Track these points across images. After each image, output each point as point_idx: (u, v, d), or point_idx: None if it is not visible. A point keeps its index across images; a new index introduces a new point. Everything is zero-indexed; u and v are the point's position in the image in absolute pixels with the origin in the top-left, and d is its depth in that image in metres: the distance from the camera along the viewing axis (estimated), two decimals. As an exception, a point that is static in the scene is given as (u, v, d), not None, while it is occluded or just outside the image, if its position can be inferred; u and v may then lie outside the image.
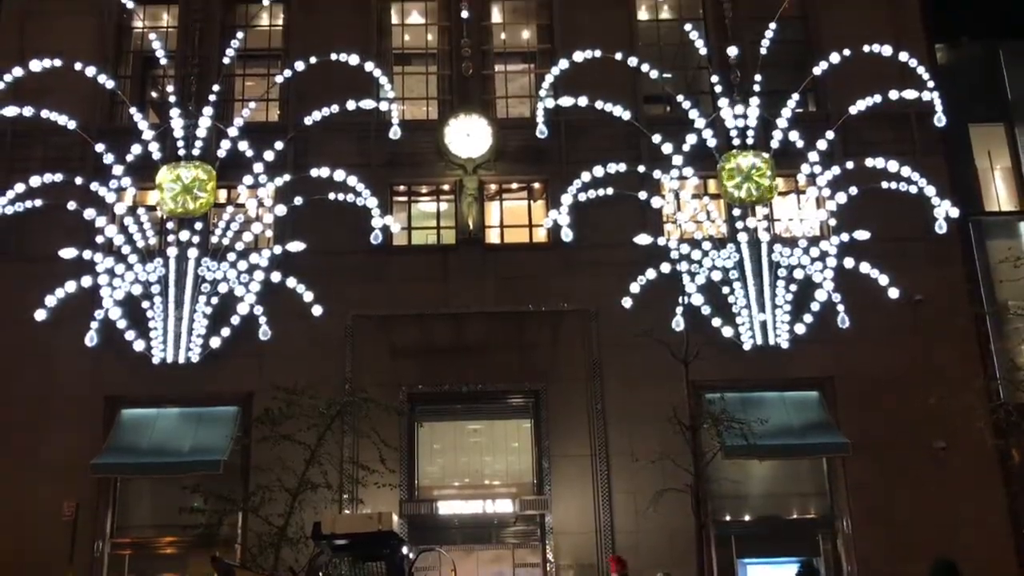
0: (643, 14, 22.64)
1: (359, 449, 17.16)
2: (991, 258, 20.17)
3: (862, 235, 19.69)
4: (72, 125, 19.84)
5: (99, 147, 19.72)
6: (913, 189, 20.06)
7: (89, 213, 19.29)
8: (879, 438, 18.75)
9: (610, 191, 20.00)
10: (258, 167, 19.84)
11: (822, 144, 20.24)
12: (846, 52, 20.46)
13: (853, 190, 19.98)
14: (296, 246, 19.50)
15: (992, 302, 19.75)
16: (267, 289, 19.38)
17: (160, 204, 19.57)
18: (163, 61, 20.89)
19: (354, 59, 20.38)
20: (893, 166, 20.09)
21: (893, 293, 19.50)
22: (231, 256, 19.49)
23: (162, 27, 22.10)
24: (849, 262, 19.66)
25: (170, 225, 19.65)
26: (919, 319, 19.54)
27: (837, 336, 19.54)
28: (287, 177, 19.96)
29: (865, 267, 19.59)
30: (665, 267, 19.65)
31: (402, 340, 19.72)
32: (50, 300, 18.82)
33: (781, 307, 19.60)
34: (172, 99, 20.28)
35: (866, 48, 20.51)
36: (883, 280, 19.53)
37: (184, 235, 19.50)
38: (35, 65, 19.92)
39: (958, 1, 21.90)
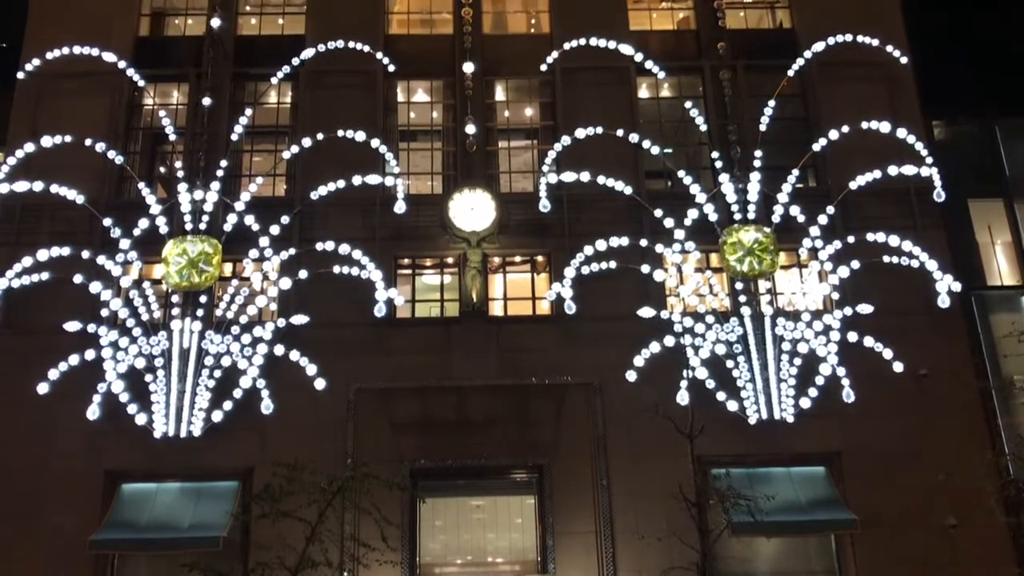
0: (644, 92, 23.07)
1: (360, 526, 16.93)
2: (995, 332, 20.18)
3: (865, 309, 19.71)
4: (81, 200, 20.11)
5: (107, 221, 19.94)
6: (915, 263, 20.16)
7: (95, 287, 19.38)
8: (888, 515, 18.48)
9: (613, 264, 20.11)
10: (264, 241, 20.01)
11: (823, 219, 20.43)
12: (845, 129, 20.82)
13: (855, 264, 20.08)
14: (300, 319, 19.55)
15: (997, 376, 19.69)
16: (270, 362, 19.38)
17: (166, 278, 19.68)
18: (172, 138, 21.24)
19: (360, 136, 20.73)
20: (894, 241, 20.23)
21: (898, 367, 19.45)
22: (235, 329, 19.53)
23: (172, 104, 22.53)
24: (853, 336, 19.65)
25: (175, 298, 19.70)
26: (925, 393, 19.47)
27: (843, 410, 19.43)
28: (292, 251, 20.12)
29: (869, 341, 19.58)
30: (669, 340, 19.65)
31: (404, 413, 19.61)
32: (53, 374, 18.82)
33: (786, 381, 19.54)
34: (180, 174, 20.57)
35: (864, 125, 20.88)
36: (887, 354, 19.50)
37: (188, 308, 19.56)
38: (47, 141, 20.29)
39: (953, 80, 22.31)
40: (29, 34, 22.40)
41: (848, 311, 19.82)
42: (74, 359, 18.91)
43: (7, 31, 25.75)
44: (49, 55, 21.41)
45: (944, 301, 19.95)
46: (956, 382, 19.37)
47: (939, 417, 19.28)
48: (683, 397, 18.55)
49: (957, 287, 20.03)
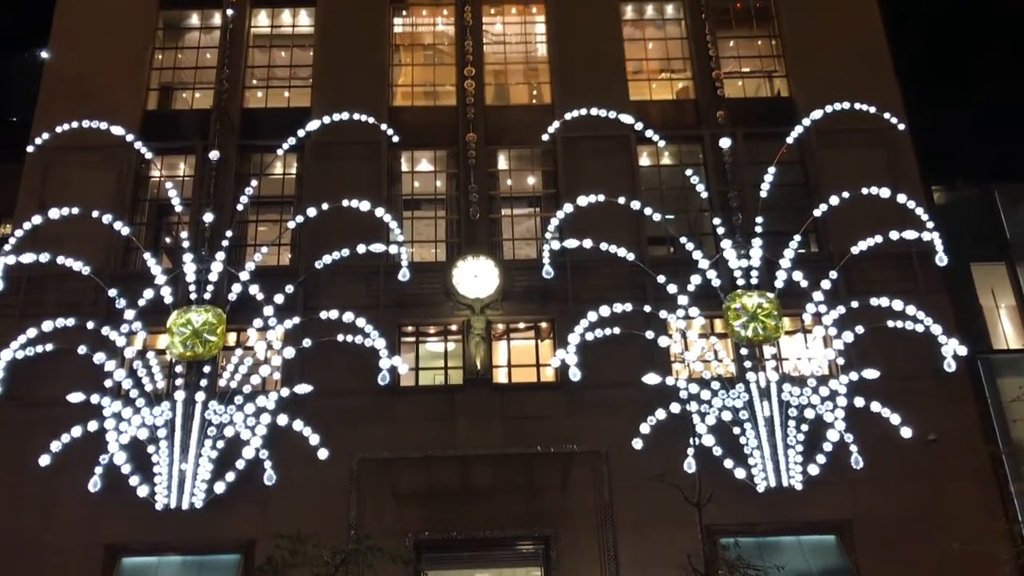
0: (644, 159, 23.35)
1: (364, 599, 16.60)
2: (1003, 396, 20.05)
3: (871, 374, 19.61)
4: (87, 271, 20.21)
5: (112, 292, 20.01)
6: (919, 327, 20.11)
7: (99, 357, 19.35)
8: (901, 585, 18.13)
9: (617, 330, 20.08)
10: (268, 310, 20.03)
11: (826, 284, 20.45)
12: (845, 194, 20.97)
13: (860, 329, 20.04)
14: (303, 388, 19.46)
15: (1008, 441, 19.50)
16: (273, 432, 19.23)
17: (170, 348, 19.66)
18: (178, 209, 21.44)
19: (365, 205, 20.92)
20: (898, 305, 20.21)
21: (906, 432, 19.26)
22: (238, 399, 19.44)
23: (178, 176, 22.82)
24: (860, 401, 19.51)
25: (179, 368, 19.65)
26: (935, 459, 19.24)
27: (852, 477, 19.19)
28: (296, 319, 20.13)
29: (876, 406, 19.43)
30: (675, 407, 19.52)
31: (408, 484, 19.37)
32: (55, 445, 18.68)
33: (793, 448, 19.34)
34: (185, 245, 20.71)
35: (864, 190, 21.03)
36: (895, 419, 19.34)
37: (192, 378, 19.50)
38: (54, 213, 20.49)
39: (951, 145, 22.62)
40: (40, 109, 22.82)
41: (854, 376, 19.71)
42: (76, 431, 18.78)
43: (17, 104, 26.29)
44: (59, 129, 21.76)
45: (950, 365, 19.85)
46: (966, 448, 19.13)
47: (950, 483, 19.03)
48: (690, 465, 18.35)
49: (963, 351, 19.96)
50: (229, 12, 23.86)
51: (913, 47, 24.89)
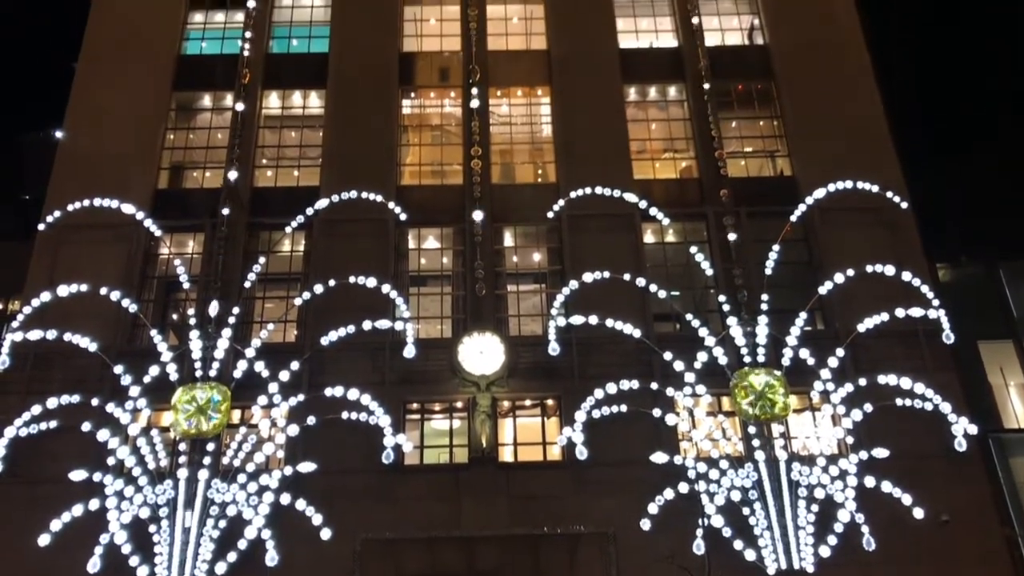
0: (649, 237, 23.53)
1: None
2: (1016, 476, 19.84)
3: (881, 453, 19.39)
4: (93, 347, 20.22)
5: (117, 369, 19.95)
6: (928, 406, 19.95)
7: (103, 434, 19.24)
8: (918, 672, 17.63)
9: (624, 408, 19.95)
10: (273, 387, 19.98)
11: (833, 362, 20.36)
12: (849, 272, 21.00)
13: (868, 407, 19.89)
14: (307, 467, 19.27)
15: (1022, 523, 19.14)
16: (276, 511, 18.99)
17: (174, 425, 19.56)
18: (186, 286, 21.54)
19: (372, 282, 21.00)
20: (906, 383, 20.08)
21: (918, 513, 18.94)
22: (241, 478, 19.23)
23: (187, 253, 23.02)
24: (870, 481, 19.25)
25: (182, 446, 19.53)
26: (948, 541, 18.93)
27: (864, 559, 18.83)
28: (301, 397, 20.05)
29: (887, 486, 19.16)
30: (683, 487, 19.27)
31: (412, 565, 19.07)
32: (55, 524, 18.42)
33: (804, 528, 19.01)
34: (192, 321, 20.75)
35: (869, 268, 21.07)
36: (906, 499, 19.05)
37: (195, 456, 19.35)
38: (63, 290, 20.54)
39: (954, 223, 22.78)
40: (53, 187, 23.20)
41: (864, 455, 19.49)
42: (78, 509, 18.55)
43: (30, 183, 26.72)
44: (70, 207, 22.01)
45: (961, 444, 19.64)
46: (980, 529, 18.85)
47: (964, 567, 18.68)
48: (699, 546, 18.03)
49: (973, 430, 19.76)
50: (240, 106, 24.38)
51: (913, 126, 25.33)
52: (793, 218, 22.17)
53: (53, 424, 19.61)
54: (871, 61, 25.58)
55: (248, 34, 25.56)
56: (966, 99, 26.31)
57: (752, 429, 19.94)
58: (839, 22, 26.25)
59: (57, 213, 22.16)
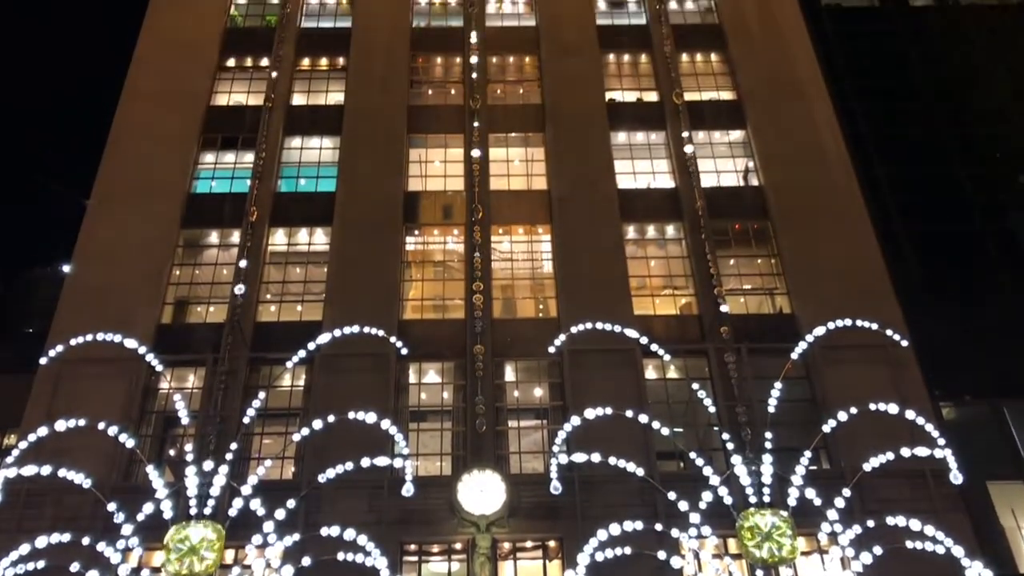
0: (651, 373, 23.50)
1: None
2: (1036, 625, 19.09)
3: (893, 598, 18.78)
4: (87, 484, 19.88)
5: (111, 506, 19.57)
6: (940, 549, 19.41)
7: (92, 575, 18.68)
8: None
9: (628, 550, 19.41)
10: (268, 526, 19.50)
11: (840, 502, 19.93)
12: (853, 410, 20.86)
13: (878, 550, 19.35)
14: (300, 611, 18.63)
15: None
16: (267, 659, 18.24)
17: (165, 565, 19.00)
18: (185, 421, 21.37)
19: (371, 417, 20.81)
20: (915, 524, 19.60)
21: (937, 665, 18.18)
22: (233, 622, 18.58)
23: (187, 388, 22.95)
24: (884, 628, 18.57)
25: (174, 588, 18.91)
26: None
27: None
28: (296, 536, 19.55)
29: (902, 634, 18.47)
30: (690, 634, 18.57)
31: None
32: (34, 673, 17.68)
33: None
34: (189, 457, 20.47)
35: (872, 406, 20.90)
36: (924, 649, 18.31)
37: (186, 599, 18.72)
38: (60, 425, 20.37)
39: (956, 361, 22.78)
40: (57, 321, 23.38)
41: (876, 600, 18.86)
42: (59, 656, 17.85)
43: (35, 316, 26.91)
44: (73, 341, 22.07)
45: (976, 589, 19.03)
46: None
47: None
48: None
49: (988, 575, 19.16)
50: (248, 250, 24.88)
51: (911, 264, 25.68)
52: (794, 356, 22.18)
53: (41, 564, 19.02)
54: (865, 202, 26.20)
55: (257, 172, 26.35)
56: (963, 239, 26.78)
57: (760, 572, 19.36)
58: (832, 166, 27.09)
59: (60, 347, 22.21)
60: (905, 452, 20.29)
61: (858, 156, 27.55)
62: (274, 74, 29.26)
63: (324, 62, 31.03)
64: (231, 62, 30.79)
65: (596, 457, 20.45)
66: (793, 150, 27.52)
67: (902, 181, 27.57)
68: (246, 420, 21.28)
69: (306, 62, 31.00)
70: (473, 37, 30.38)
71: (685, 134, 27.74)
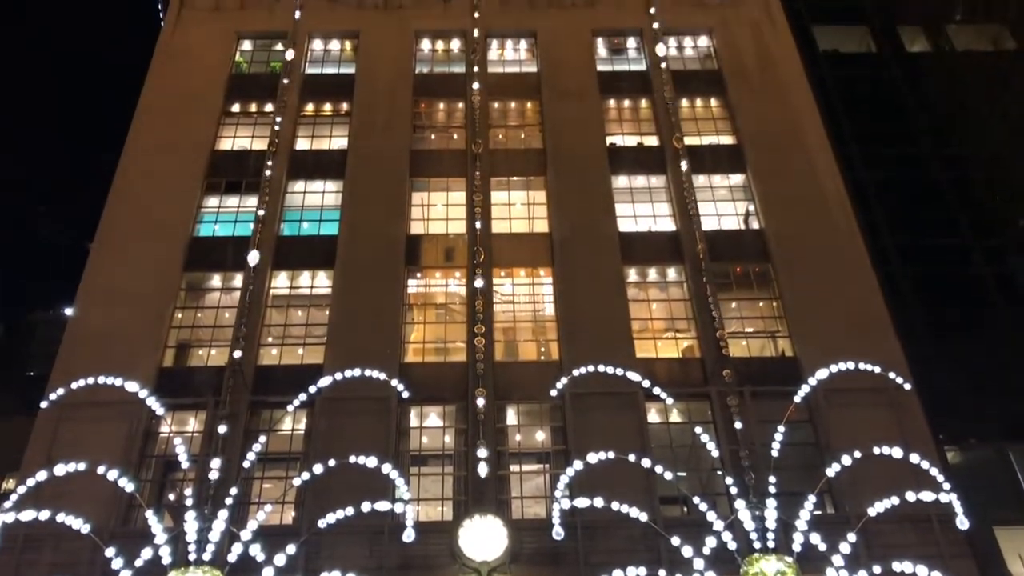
0: (653, 416, 23.39)
1: None
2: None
3: (902, 646, 18.48)
4: (86, 529, 19.66)
5: (109, 551, 19.35)
6: (949, 596, 19.17)
7: (87, 624, 18.48)
8: None
9: (632, 598, 19.20)
10: (268, 572, 19.27)
11: (845, 547, 19.70)
12: (856, 454, 20.64)
13: (885, 597, 19.12)
14: (300, 659, 18.35)
15: None
16: None
17: (162, 613, 18.79)
18: (185, 465, 21.24)
19: (372, 461, 20.60)
20: (922, 571, 19.28)
21: None
22: (230, 671, 18.29)
23: (188, 432, 22.85)
24: (893, 678, 18.25)
25: (170, 636, 18.65)
26: None
27: None
28: (296, 583, 19.36)
29: None
30: None
31: None
32: None
33: None
34: (189, 502, 20.31)
35: (876, 450, 20.72)
36: None
37: (182, 647, 18.46)
38: (59, 469, 20.17)
39: (960, 405, 22.67)
40: (58, 364, 23.35)
41: (885, 649, 18.57)
42: None
43: (37, 359, 26.90)
44: (74, 384, 21.94)
45: (986, 638, 18.76)
46: None
47: None
48: None
49: (999, 622, 18.92)
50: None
51: (912, 306, 25.64)
52: (797, 399, 22.07)
53: (36, 613, 18.87)
54: (865, 245, 26.30)
55: (260, 216, 26.50)
56: (964, 282, 26.80)
57: (766, 620, 19.10)
58: (832, 209, 27.23)
59: (60, 391, 22.05)
60: (910, 496, 20.05)
61: (857, 199, 27.68)
62: (278, 119, 29.55)
63: (328, 107, 31.38)
64: (235, 107, 31.14)
65: (599, 502, 20.28)
66: (793, 193, 27.68)
67: (902, 224, 27.64)
68: (246, 464, 21.14)
69: (310, 107, 31.35)
70: (475, 83, 30.72)
71: (685, 171, 27.85)
